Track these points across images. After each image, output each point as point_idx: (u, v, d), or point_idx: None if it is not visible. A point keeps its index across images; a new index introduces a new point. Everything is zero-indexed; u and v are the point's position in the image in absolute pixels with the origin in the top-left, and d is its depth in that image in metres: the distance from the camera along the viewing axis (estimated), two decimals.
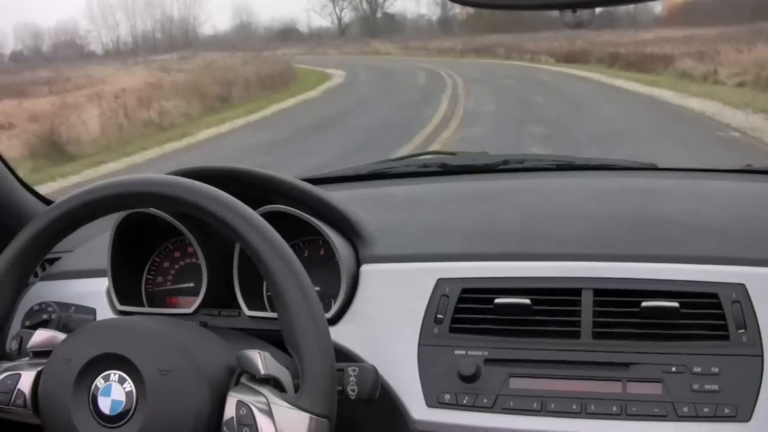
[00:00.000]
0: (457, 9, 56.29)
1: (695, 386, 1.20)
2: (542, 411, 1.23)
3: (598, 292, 1.30)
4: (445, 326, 1.32)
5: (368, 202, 1.63)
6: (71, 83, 20.86)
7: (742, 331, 1.23)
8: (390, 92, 17.96)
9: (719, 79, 16.47)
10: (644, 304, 1.26)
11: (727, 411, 1.18)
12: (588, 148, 9.08)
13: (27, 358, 1.19)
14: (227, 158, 9.54)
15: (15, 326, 1.49)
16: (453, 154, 2.18)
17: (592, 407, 1.21)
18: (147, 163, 10.40)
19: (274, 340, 1.23)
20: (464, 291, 1.34)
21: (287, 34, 58.04)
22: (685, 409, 1.19)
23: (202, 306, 1.45)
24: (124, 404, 1.06)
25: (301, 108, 16.51)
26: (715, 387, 1.19)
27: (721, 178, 1.84)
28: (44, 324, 1.47)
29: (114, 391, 1.07)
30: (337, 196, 1.52)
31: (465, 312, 1.32)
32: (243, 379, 1.09)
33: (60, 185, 8.43)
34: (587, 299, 1.29)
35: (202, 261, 1.46)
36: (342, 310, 1.38)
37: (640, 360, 1.24)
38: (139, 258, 1.55)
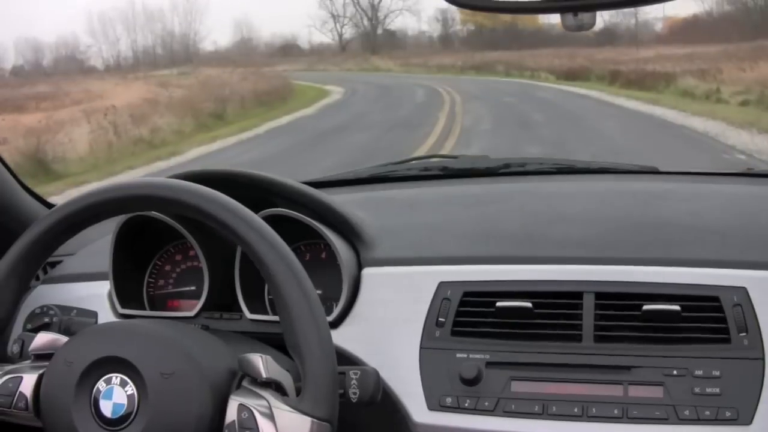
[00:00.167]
0: (458, 26, 56.47)
1: (696, 389, 1.20)
2: (544, 414, 1.22)
3: (599, 296, 1.30)
4: (446, 329, 1.32)
5: (370, 206, 1.64)
6: (69, 98, 20.83)
7: (744, 334, 1.23)
8: (387, 110, 17.86)
9: (722, 98, 16.26)
10: (645, 307, 1.26)
11: (728, 414, 1.18)
12: None
13: (29, 361, 1.19)
14: None
15: (17, 329, 1.50)
16: (454, 157, 2.18)
17: (594, 410, 1.21)
18: None
19: (276, 343, 1.23)
20: (466, 294, 1.34)
21: (288, 50, 58.20)
22: (687, 413, 1.19)
23: (203, 309, 1.45)
24: (125, 407, 1.06)
25: (295, 125, 16.41)
26: (717, 390, 1.19)
27: (721, 182, 1.84)
28: (46, 327, 1.47)
29: (116, 394, 1.07)
30: (339, 199, 1.53)
31: (466, 315, 1.32)
32: (245, 383, 1.09)
33: None
34: (589, 302, 1.29)
35: (203, 264, 1.46)
36: (344, 313, 1.38)
37: (642, 363, 1.24)
38: (140, 261, 1.55)
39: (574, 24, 1.03)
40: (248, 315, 1.42)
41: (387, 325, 1.35)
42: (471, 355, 1.29)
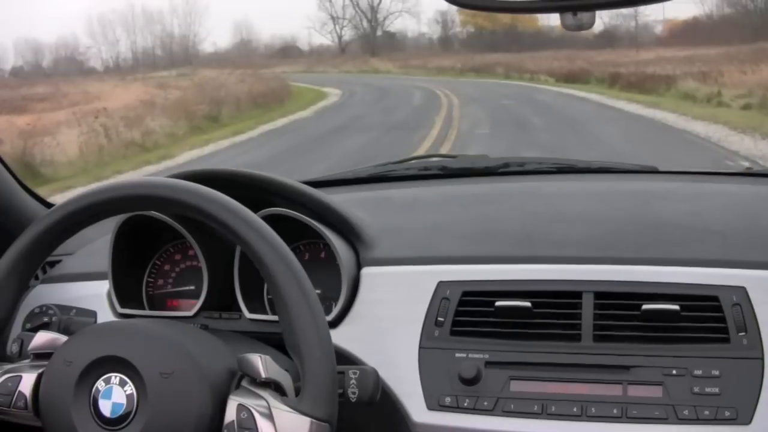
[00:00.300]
0: (458, 28, 56.49)
1: (696, 389, 1.20)
2: (543, 414, 1.23)
3: (598, 295, 1.30)
4: (445, 329, 1.32)
5: (369, 205, 1.64)
6: (67, 99, 20.75)
7: (743, 333, 1.23)
8: (383, 113, 17.75)
9: (723, 101, 16.07)
10: (645, 306, 1.26)
11: (727, 414, 1.18)
12: None
13: (28, 361, 1.19)
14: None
15: (16, 329, 1.50)
16: (454, 157, 2.18)
17: (593, 410, 1.21)
18: None
19: (275, 343, 1.23)
20: (465, 294, 1.34)
21: (287, 52, 58.18)
22: (686, 412, 1.19)
23: (202, 309, 1.45)
24: (125, 407, 1.06)
25: (289, 128, 16.29)
26: (716, 390, 1.20)
27: (721, 181, 1.85)
28: (45, 326, 1.47)
29: (115, 393, 1.07)
30: (338, 199, 1.53)
31: (466, 315, 1.33)
32: (244, 383, 1.09)
33: None
34: (588, 302, 1.30)
35: (202, 264, 1.46)
36: (343, 312, 1.38)
37: (641, 363, 1.24)
38: (140, 261, 1.55)
39: (574, 24, 1.02)
40: (247, 315, 1.42)
41: (386, 324, 1.35)
42: (470, 355, 1.29)
